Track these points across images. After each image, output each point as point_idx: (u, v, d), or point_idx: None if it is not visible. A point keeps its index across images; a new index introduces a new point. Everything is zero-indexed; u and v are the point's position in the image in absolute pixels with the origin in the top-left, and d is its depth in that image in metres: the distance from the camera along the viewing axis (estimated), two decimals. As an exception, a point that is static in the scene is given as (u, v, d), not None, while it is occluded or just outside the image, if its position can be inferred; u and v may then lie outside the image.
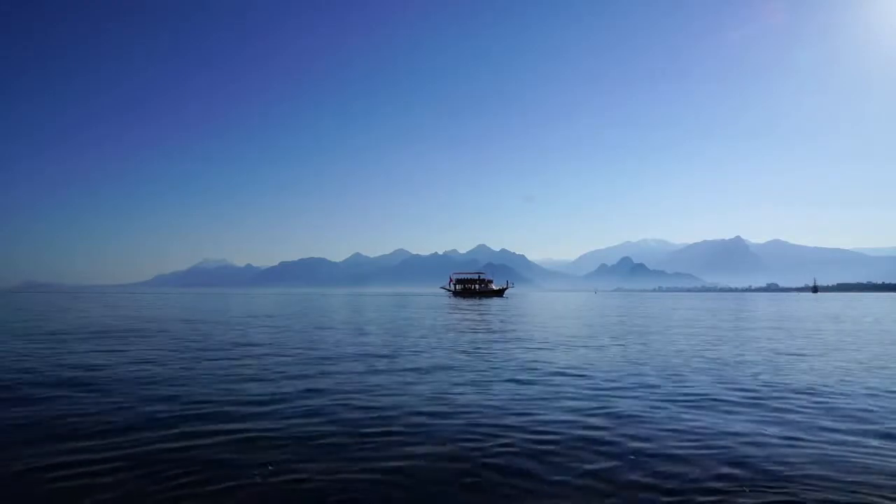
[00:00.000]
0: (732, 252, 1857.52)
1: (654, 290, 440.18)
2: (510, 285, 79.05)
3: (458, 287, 74.02)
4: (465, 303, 43.62)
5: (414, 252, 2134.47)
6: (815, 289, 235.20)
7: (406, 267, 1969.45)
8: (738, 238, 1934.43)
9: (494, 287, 74.36)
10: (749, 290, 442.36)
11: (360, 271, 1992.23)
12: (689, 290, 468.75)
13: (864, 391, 6.64)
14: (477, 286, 73.20)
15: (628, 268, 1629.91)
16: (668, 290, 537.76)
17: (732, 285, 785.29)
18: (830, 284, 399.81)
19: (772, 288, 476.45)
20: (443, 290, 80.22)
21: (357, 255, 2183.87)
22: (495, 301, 49.65)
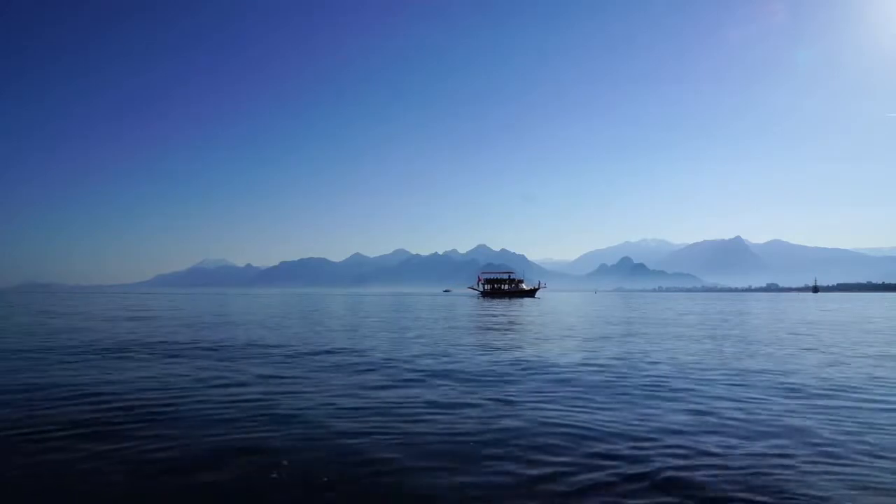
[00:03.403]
0: (732, 252, 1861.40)
1: (654, 290, 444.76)
2: (542, 285, 74.13)
3: (487, 287, 71.52)
4: (499, 304, 41.44)
5: (414, 252, 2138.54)
6: (815, 289, 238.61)
7: (406, 267, 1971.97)
8: (738, 238, 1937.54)
9: (525, 287, 70.89)
10: (749, 290, 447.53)
11: (360, 271, 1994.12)
12: (689, 290, 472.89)
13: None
14: (507, 286, 70.39)
15: (628, 268, 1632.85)
16: (668, 290, 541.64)
17: (732, 285, 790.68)
18: (831, 284, 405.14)
19: (772, 288, 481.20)
20: (471, 290, 77.26)
21: (357, 255, 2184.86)
22: (533, 302, 46.57)
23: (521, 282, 71.41)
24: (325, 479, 3.67)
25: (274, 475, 3.73)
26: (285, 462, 3.99)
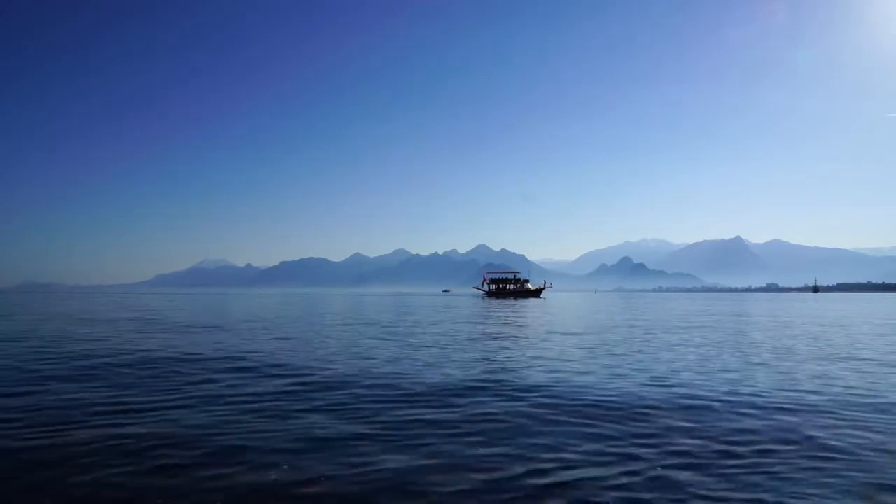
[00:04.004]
0: (732, 252, 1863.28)
1: (654, 290, 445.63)
2: (548, 285, 72.97)
3: (492, 287, 70.87)
4: (505, 305, 39.93)
5: (414, 252, 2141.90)
6: (815, 289, 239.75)
7: (406, 267, 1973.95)
8: (738, 238, 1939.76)
9: (531, 287, 70.04)
10: (749, 290, 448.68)
11: (360, 271, 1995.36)
12: (689, 291, 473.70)
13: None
14: (512, 286, 69.63)
15: (628, 268, 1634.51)
16: (668, 290, 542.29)
17: (732, 285, 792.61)
18: (831, 284, 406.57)
19: (772, 288, 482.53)
20: (476, 290, 77.18)
21: (357, 255, 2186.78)
22: (540, 303, 44.81)
23: (526, 282, 70.77)
24: (324, 478, 3.70)
25: (274, 477, 3.74)
26: (285, 466, 3.99)
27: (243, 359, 9.67)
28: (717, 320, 22.37)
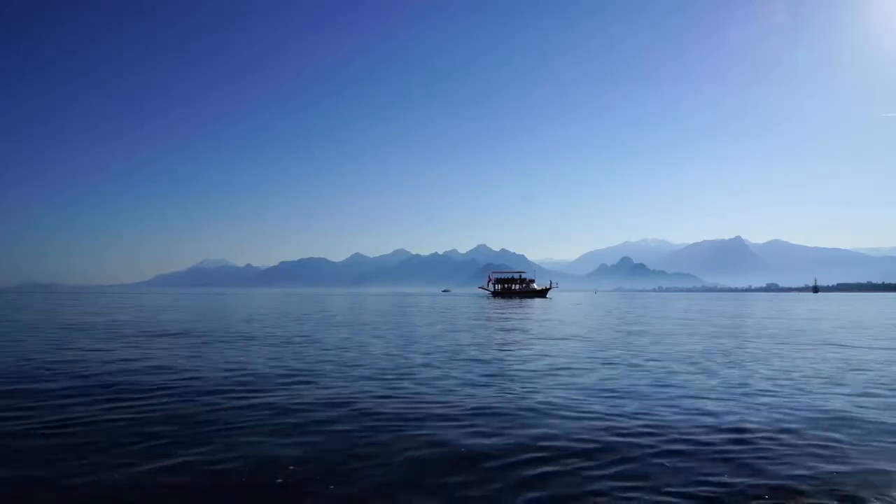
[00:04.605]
0: (732, 252, 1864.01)
1: (654, 290, 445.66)
2: (554, 285, 72.92)
3: (497, 287, 70.90)
4: (514, 305, 39.48)
5: (414, 252, 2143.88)
6: (815, 289, 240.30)
7: (406, 267, 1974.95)
8: (738, 238, 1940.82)
9: (536, 287, 69.96)
10: (749, 290, 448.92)
11: (360, 271, 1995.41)
12: (689, 291, 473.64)
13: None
14: (517, 286, 69.62)
15: (628, 268, 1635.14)
16: (668, 290, 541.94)
17: (732, 285, 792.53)
18: (831, 284, 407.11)
19: (772, 288, 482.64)
20: (481, 290, 77.31)
21: (357, 255, 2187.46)
22: (545, 303, 44.41)
23: (531, 282, 70.86)
24: (332, 486, 3.68)
25: (279, 480, 3.74)
26: (291, 467, 3.98)
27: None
28: (733, 323, 22.51)
